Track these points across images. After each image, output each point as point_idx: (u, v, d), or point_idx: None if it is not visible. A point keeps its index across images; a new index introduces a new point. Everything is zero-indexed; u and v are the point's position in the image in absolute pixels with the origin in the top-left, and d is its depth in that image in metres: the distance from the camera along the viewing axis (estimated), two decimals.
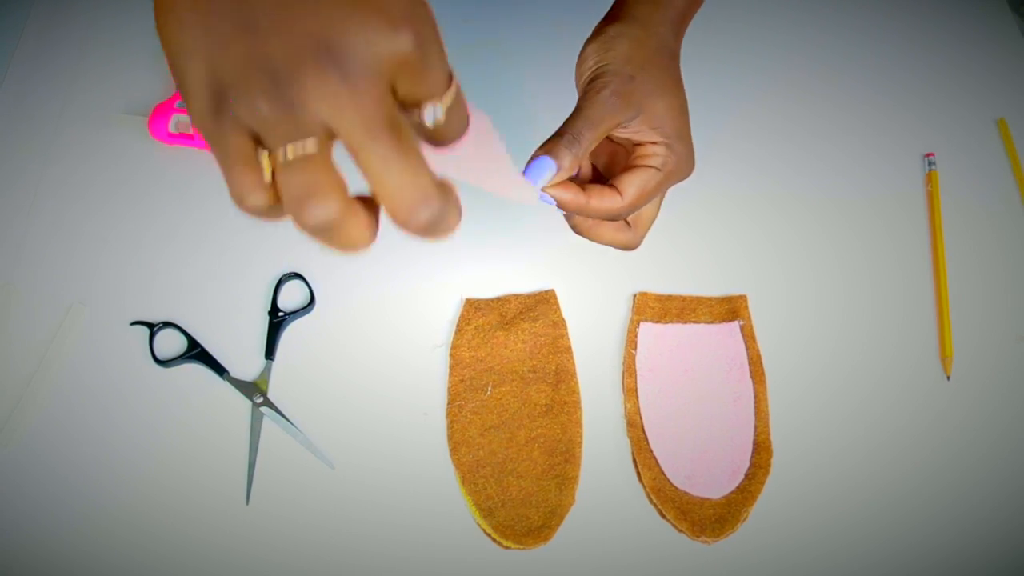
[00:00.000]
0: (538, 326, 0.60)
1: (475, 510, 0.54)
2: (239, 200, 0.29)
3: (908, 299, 0.63)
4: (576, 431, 0.56)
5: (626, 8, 0.49)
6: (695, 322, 0.61)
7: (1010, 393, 0.59)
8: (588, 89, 0.47)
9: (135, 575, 0.52)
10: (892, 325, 0.62)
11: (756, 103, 0.71)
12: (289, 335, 0.59)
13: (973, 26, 0.77)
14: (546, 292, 0.61)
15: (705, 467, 0.56)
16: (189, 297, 0.60)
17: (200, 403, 0.57)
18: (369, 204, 0.29)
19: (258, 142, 0.28)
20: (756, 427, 0.57)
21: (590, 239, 0.51)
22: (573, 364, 0.59)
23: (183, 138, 0.65)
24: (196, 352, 0.58)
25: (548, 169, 0.44)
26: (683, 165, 0.48)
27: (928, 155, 0.69)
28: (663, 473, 0.55)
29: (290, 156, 0.27)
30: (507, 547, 0.53)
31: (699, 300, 0.61)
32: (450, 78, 0.30)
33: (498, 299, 0.61)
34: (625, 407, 0.58)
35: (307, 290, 0.60)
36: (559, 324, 0.60)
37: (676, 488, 0.55)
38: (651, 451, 0.56)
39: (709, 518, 0.54)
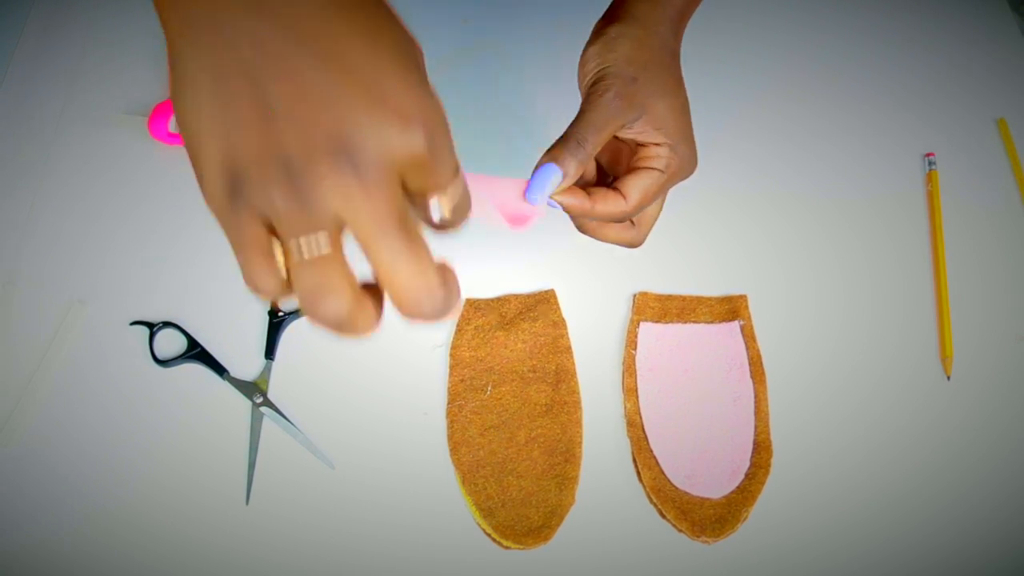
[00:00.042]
0: (538, 326, 0.60)
1: (475, 510, 0.54)
2: (252, 286, 0.29)
3: (908, 299, 0.63)
4: (576, 431, 0.56)
5: (625, 7, 0.49)
6: (695, 322, 0.61)
7: (1010, 393, 0.59)
8: (591, 92, 0.47)
9: (135, 575, 0.52)
10: (892, 325, 0.62)
11: (756, 103, 0.71)
12: (289, 335, 0.59)
13: (973, 26, 0.77)
14: (546, 292, 0.61)
15: (705, 467, 0.56)
16: (189, 297, 0.60)
17: (200, 403, 0.57)
18: (375, 292, 0.30)
19: (271, 228, 0.29)
20: (756, 427, 0.57)
21: (595, 238, 0.51)
22: (573, 364, 0.59)
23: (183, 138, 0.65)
24: (196, 352, 0.58)
25: (554, 175, 0.45)
26: (686, 165, 0.49)
27: (928, 155, 0.69)
28: (663, 473, 0.55)
29: (304, 254, 0.28)
30: (507, 547, 0.53)
31: (699, 300, 0.61)
32: (456, 169, 0.31)
33: (498, 299, 0.61)
34: (625, 407, 0.58)
35: None
36: (559, 324, 0.60)
37: (676, 488, 0.55)
38: (651, 451, 0.56)
39: (709, 518, 0.54)
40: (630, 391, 0.58)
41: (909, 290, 0.63)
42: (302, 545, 0.53)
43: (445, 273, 0.30)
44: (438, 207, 0.30)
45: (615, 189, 0.48)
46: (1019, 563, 0.54)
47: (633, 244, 0.51)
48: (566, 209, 0.47)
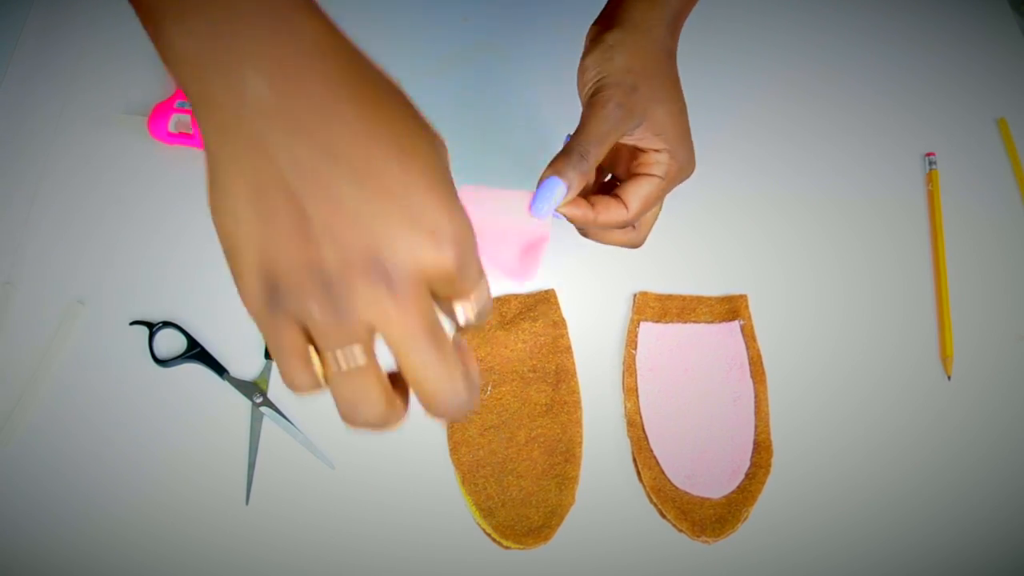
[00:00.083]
0: (538, 326, 0.60)
1: (475, 510, 0.54)
2: (289, 385, 0.31)
3: (908, 299, 0.63)
4: (576, 431, 0.56)
5: (622, 11, 0.49)
6: (695, 322, 0.61)
7: (1010, 393, 0.59)
8: (592, 103, 0.47)
9: (135, 575, 0.52)
10: (892, 325, 0.62)
11: (756, 103, 0.71)
12: None
13: (973, 26, 0.77)
14: (546, 292, 0.61)
15: (705, 467, 0.56)
16: (189, 297, 0.60)
17: (200, 403, 0.57)
18: (402, 386, 0.32)
19: (307, 333, 0.30)
20: (756, 427, 0.57)
21: (597, 241, 0.52)
22: (573, 364, 0.59)
23: (183, 137, 0.65)
24: (196, 352, 0.58)
25: (558, 189, 0.45)
26: (685, 168, 0.50)
27: (928, 155, 0.69)
28: (663, 473, 0.55)
29: (342, 366, 0.30)
30: (507, 547, 0.53)
31: (699, 300, 0.61)
32: (481, 275, 0.32)
33: (498, 299, 0.61)
34: (625, 407, 0.58)
35: None
36: (559, 324, 0.60)
37: (676, 488, 0.55)
38: (651, 451, 0.56)
39: (709, 518, 0.54)
40: (630, 391, 0.58)
41: (909, 290, 0.63)
42: (302, 545, 0.53)
43: (468, 364, 0.32)
44: (463, 313, 0.32)
45: (616, 197, 0.49)
46: (1019, 563, 0.54)
47: (634, 245, 0.52)
48: (570, 219, 0.48)
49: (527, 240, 0.48)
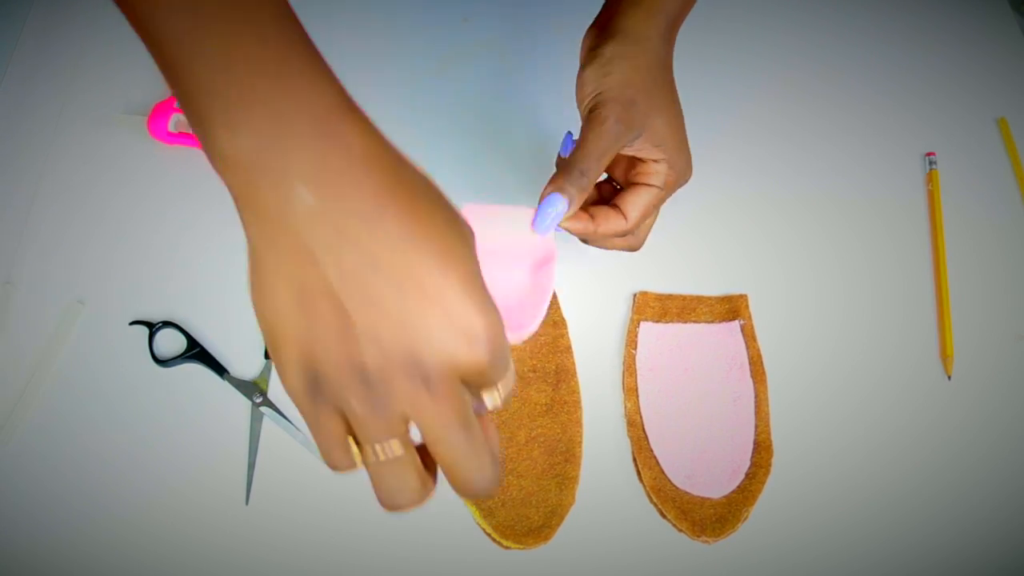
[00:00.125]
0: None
1: (475, 510, 0.54)
2: (329, 465, 0.33)
3: (908, 298, 0.63)
4: (576, 431, 0.56)
5: (617, 21, 0.50)
6: (695, 321, 0.61)
7: (1010, 393, 0.59)
8: (591, 119, 0.48)
9: (135, 574, 0.52)
10: (892, 325, 0.62)
11: (756, 103, 0.71)
12: None
13: (973, 25, 0.77)
14: None
15: (705, 467, 0.55)
16: (189, 297, 0.60)
17: (200, 403, 0.57)
18: (430, 460, 0.34)
19: (346, 421, 0.32)
20: (756, 426, 0.57)
21: (597, 247, 0.54)
22: (573, 364, 0.59)
23: (183, 137, 0.65)
24: (196, 352, 0.58)
25: (560, 206, 0.47)
26: (682, 176, 0.51)
27: (929, 154, 0.69)
28: (663, 473, 0.55)
29: (380, 457, 0.32)
30: (507, 547, 0.53)
31: (699, 299, 0.61)
32: (509, 365, 0.34)
33: None
34: (625, 407, 0.58)
35: None
36: (559, 324, 0.60)
37: (676, 488, 0.55)
38: (651, 450, 0.56)
39: (709, 518, 0.54)
40: (630, 391, 0.58)
41: (909, 289, 0.63)
42: (302, 545, 0.53)
43: (492, 443, 0.34)
44: (491, 400, 0.34)
45: (615, 207, 0.50)
46: (1019, 563, 0.54)
47: (632, 249, 0.54)
48: (571, 232, 0.50)
49: (533, 261, 0.49)
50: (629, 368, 0.59)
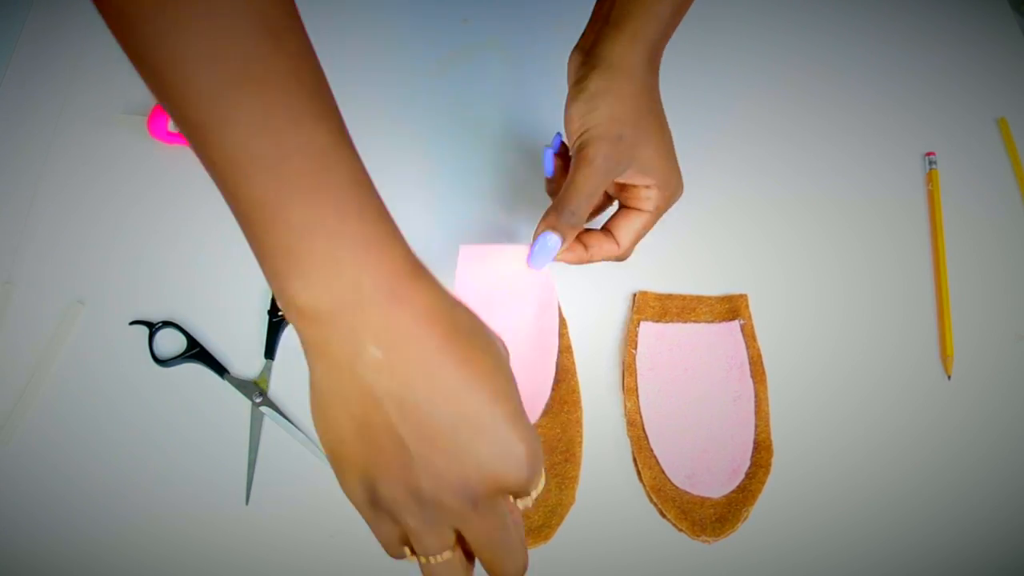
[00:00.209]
0: None
1: None
2: (391, 555, 0.39)
3: (908, 298, 0.63)
4: (576, 430, 0.56)
5: (600, 49, 0.49)
6: (695, 321, 0.61)
7: (1010, 393, 0.59)
8: (579, 159, 0.49)
9: (134, 574, 0.52)
10: (892, 325, 0.62)
11: (755, 103, 0.71)
12: (289, 334, 0.59)
13: (973, 25, 0.77)
14: None
15: (705, 466, 0.55)
16: (189, 297, 0.60)
17: (200, 403, 0.57)
18: (471, 555, 0.39)
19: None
20: (756, 426, 0.57)
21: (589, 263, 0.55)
22: (573, 363, 0.59)
23: (182, 137, 0.64)
24: (196, 352, 0.58)
25: (553, 243, 0.49)
26: (674, 195, 0.53)
27: (928, 154, 0.69)
28: (663, 472, 0.55)
29: (432, 563, 0.37)
30: None
31: (699, 299, 0.61)
32: (542, 475, 0.38)
33: None
34: (625, 406, 0.58)
35: None
36: (559, 323, 0.60)
37: (676, 487, 0.55)
38: (651, 450, 0.56)
39: (709, 517, 0.54)
40: (630, 390, 0.58)
41: (909, 289, 0.63)
42: (302, 545, 0.53)
43: (521, 530, 0.38)
44: (524, 504, 0.38)
45: (607, 232, 0.53)
46: (1019, 563, 0.54)
47: (620, 259, 0.55)
48: (566, 262, 0.53)
49: (535, 298, 0.52)
50: (629, 368, 0.59)
